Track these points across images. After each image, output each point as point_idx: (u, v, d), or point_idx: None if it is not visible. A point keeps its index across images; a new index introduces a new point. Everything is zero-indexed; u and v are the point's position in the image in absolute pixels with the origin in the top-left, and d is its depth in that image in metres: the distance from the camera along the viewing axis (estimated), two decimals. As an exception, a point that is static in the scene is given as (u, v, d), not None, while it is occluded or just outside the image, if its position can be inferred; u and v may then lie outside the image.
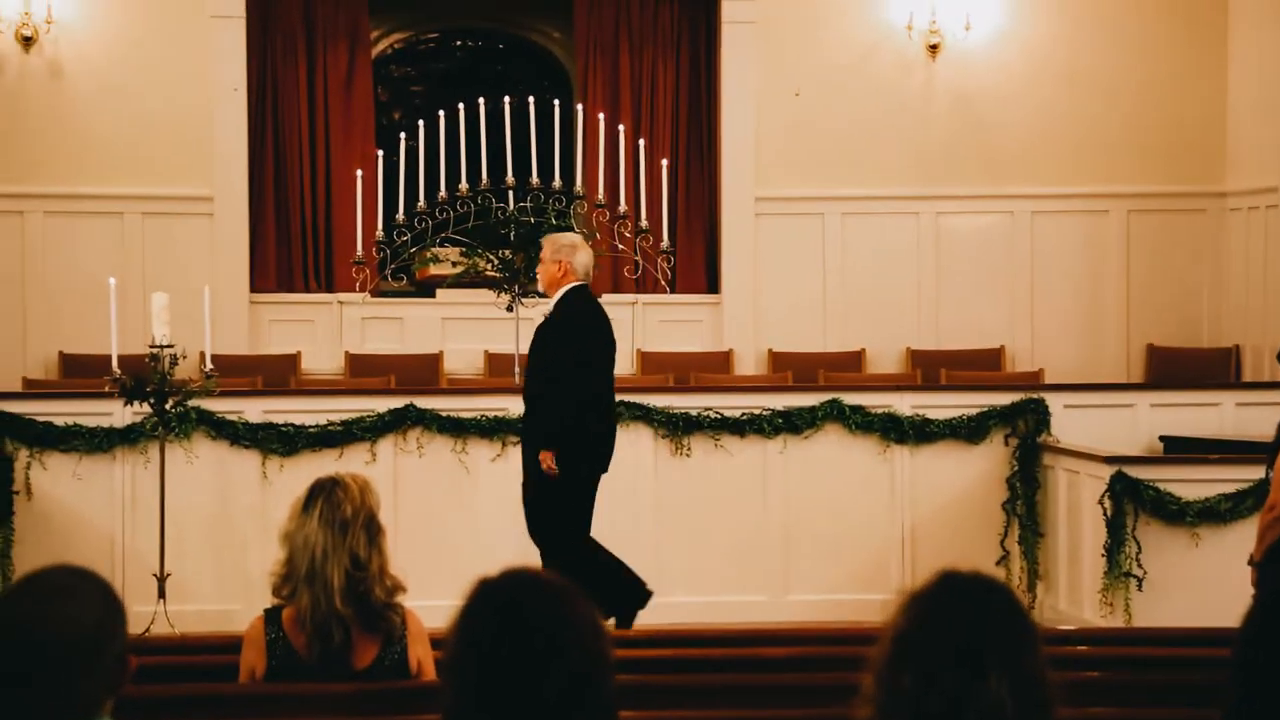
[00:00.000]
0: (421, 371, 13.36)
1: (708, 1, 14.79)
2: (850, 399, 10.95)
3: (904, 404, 11.02)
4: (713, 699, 5.39)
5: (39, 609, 2.93)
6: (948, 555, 9.87)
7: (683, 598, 10.61)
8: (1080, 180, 14.74)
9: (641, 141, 12.31)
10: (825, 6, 14.64)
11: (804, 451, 10.86)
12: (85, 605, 2.97)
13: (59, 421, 10.40)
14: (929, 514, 10.93)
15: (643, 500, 10.75)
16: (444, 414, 10.64)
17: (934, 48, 14.55)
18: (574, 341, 9.22)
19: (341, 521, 5.10)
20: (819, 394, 11.09)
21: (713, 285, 14.88)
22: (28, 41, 13.86)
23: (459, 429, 10.65)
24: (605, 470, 9.42)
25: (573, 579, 3.27)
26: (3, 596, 2.99)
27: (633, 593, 9.21)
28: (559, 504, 9.17)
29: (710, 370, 13.77)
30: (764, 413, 10.86)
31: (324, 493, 5.17)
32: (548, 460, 9.05)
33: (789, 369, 13.72)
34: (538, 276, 9.71)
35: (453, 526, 10.54)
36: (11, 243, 13.96)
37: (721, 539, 10.83)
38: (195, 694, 5.14)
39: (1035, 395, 11.10)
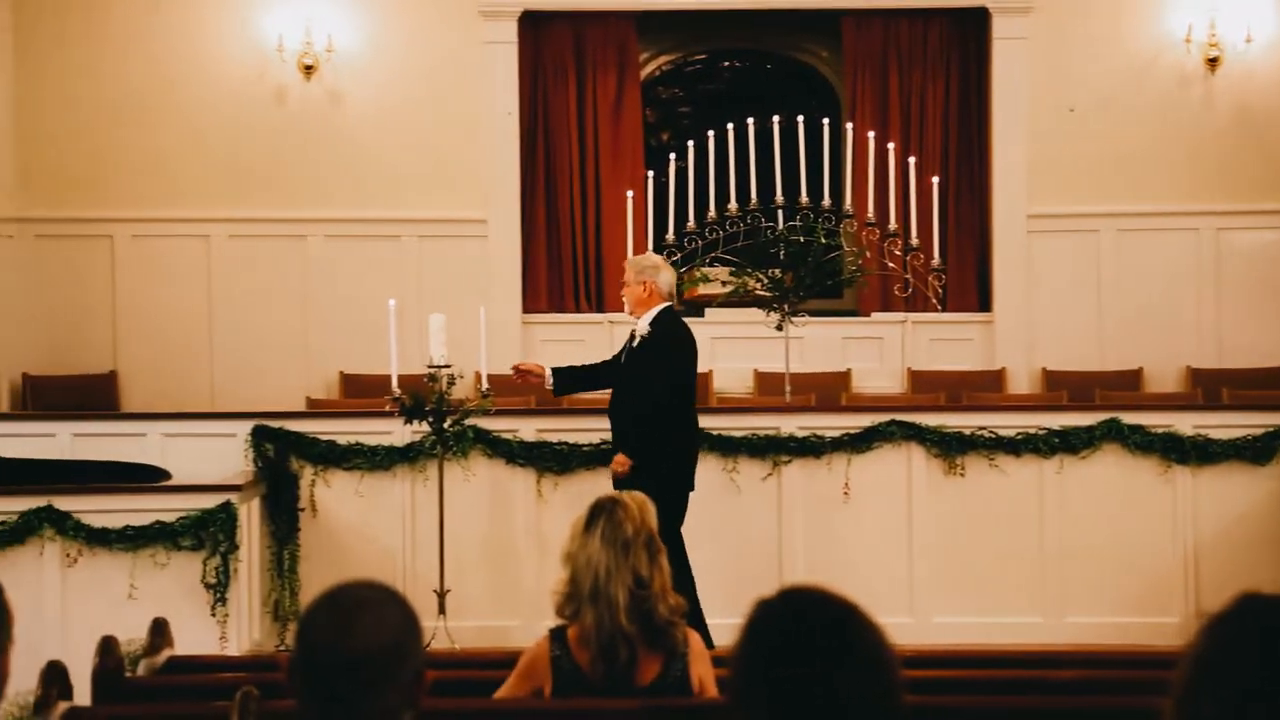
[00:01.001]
0: (691, 391, 13.39)
1: (978, 18, 14.64)
2: (1129, 418, 10.72)
3: (1185, 424, 10.74)
4: (996, 721, 5.31)
5: (345, 623, 2.98)
6: (1234, 579, 9.60)
7: (956, 618, 10.50)
8: (1368, 193, 14.29)
9: (911, 159, 12.21)
10: (1100, 21, 14.40)
11: (1081, 471, 10.65)
12: (387, 619, 3.02)
13: (341, 440, 10.60)
14: (1213, 536, 10.64)
15: (917, 519, 10.65)
16: (714, 433, 10.63)
17: (1213, 61, 14.23)
18: (674, 360, 9.52)
19: (624, 541, 5.15)
20: (1096, 413, 10.87)
21: (984, 303, 14.70)
22: (309, 70, 14.24)
23: (729, 447, 10.64)
24: (691, 489, 9.62)
25: None
26: (308, 611, 3.05)
27: None
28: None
29: (982, 389, 13.60)
30: (1039, 432, 10.67)
31: (605, 513, 5.21)
32: (624, 464, 9.37)
33: (1063, 388, 13.50)
34: (624, 299, 9.91)
35: (724, 545, 10.54)
36: (295, 265, 14.34)
37: (996, 559, 10.68)
38: (483, 709, 5.20)
39: (1326, 415, 10.76)
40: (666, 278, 9.72)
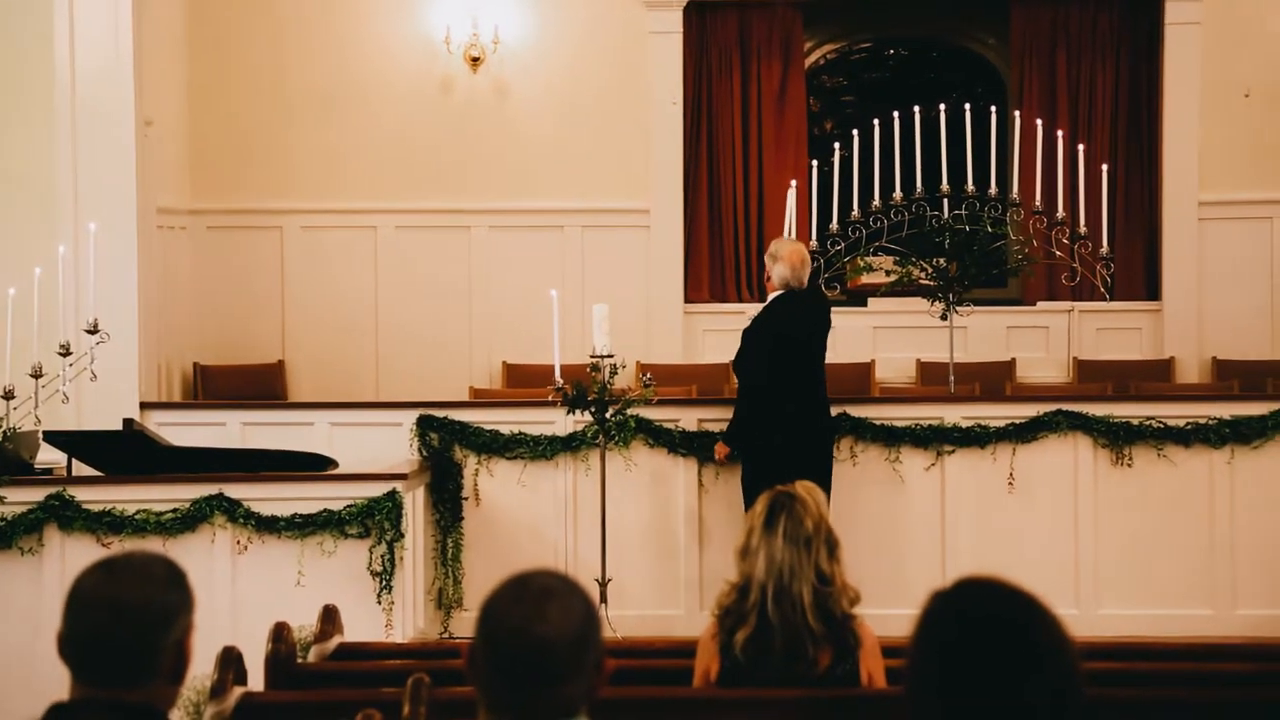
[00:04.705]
0: (853, 380, 13.33)
1: (1150, 4, 14.43)
2: (1301, 409, 10.52)
3: (1361, 414, 10.52)
4: (1168, 714, 5.23)
5: (534, 612, 2.98)
6: None
7: (1123, 610, 10.39)
8: None
9: (1080, 147, 12.06)
10: (1275, 6, 14.14)
11: (1253, 462, 10.47)
12: (573, 608, 3.02)
13: (505, 429, 10.67)
14: (1390, 528, 10.42)
15: (1082, 510, 10.53)
16: (877, 422, 10.59)
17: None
18: (747, 344, 9.96)
19: (805, 538, 5.12)
20: (1268, 403, 10.67)
21: (1152, 292, 14.51)
22: (475, 62, 14.35)
23: (892, 437, 10.58)
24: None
25: None
26: (493, 600, 3.04)
27: None
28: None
29: (1150, 378, 13.42)
30: (1209, 422, 10.50)
31: (785, 509, 5.17)
32: (721, 451, 10.17)
33: (1234, 377, 13.29)
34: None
35: (886, 534, 10.50)
36: (459, 256, 14.44)
37: (1164, 550, 10.53)
38: (650, 698, 5.21)
39: None
40: (781, 269, 9.94)
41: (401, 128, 14.41)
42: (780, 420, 9.74)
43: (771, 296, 10.04)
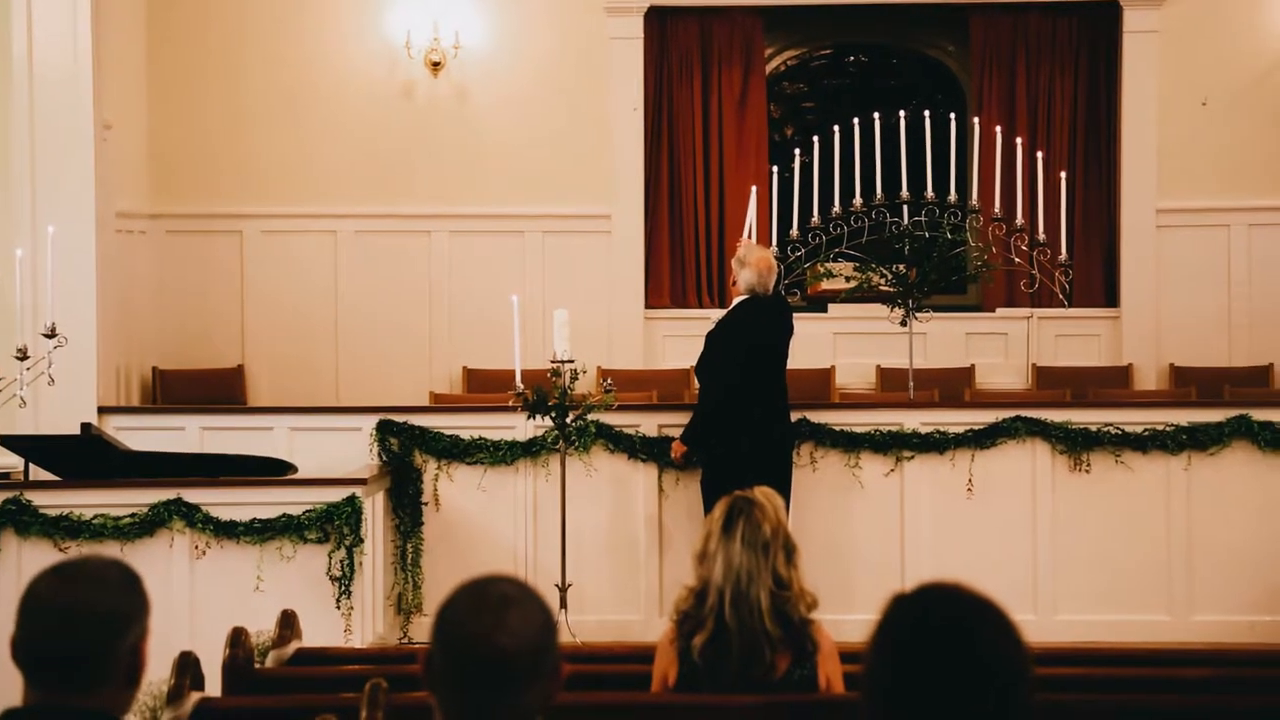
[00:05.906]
0: (813, 386, 13.36)
1: (1109, 13, 14.49)
2: (1259, 415, 10.54)
3: (1317, 420, 10.58)
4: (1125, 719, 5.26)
5: (496, 620, 2.95)
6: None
7: (1081, 616, 10.42)
8: None
9: (1039, 154, 12.11)
10: (1233, 15, 14.22)
11: (1210, 468, 10.51)
12: (532, 616, 3.00)
13: (465, 434, 10.65)
14: (1346, 535, 10.48)
15: (1041, 516, 10.56)
16: (837, 428, 10.60)
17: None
18: (713, 348, 10.01)
19: (764, 543, 5.12)
20: (1225, 410, 10.72)
21: (1111, 299, 14.56)
22: (436, 66, 14.33)
23: (852, 443, 10.59)
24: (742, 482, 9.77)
25: None
26: (451, 606, 3.01)
27: None
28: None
29: (1108, 385, 13.47)
30: (1167, 428, 10.54)
31: (743, 514, 5.17)
32: (677, 450, 10.19)
33: (1191, 384, 13.35)
34: None
35: (846, 540, 10.51)
36: (419, 261, 14.43)
37: (1122, 556, 10.56)
38: (608, 703, 5.21)
39: None
40: (746, 275, 10.00)
41: (362, 132, 14.39)
42: (745, 425, 9.75)
43: (736, 301, 10.05)
